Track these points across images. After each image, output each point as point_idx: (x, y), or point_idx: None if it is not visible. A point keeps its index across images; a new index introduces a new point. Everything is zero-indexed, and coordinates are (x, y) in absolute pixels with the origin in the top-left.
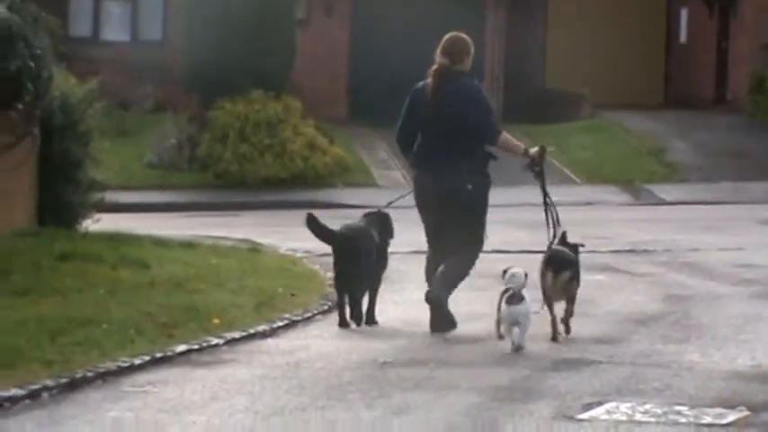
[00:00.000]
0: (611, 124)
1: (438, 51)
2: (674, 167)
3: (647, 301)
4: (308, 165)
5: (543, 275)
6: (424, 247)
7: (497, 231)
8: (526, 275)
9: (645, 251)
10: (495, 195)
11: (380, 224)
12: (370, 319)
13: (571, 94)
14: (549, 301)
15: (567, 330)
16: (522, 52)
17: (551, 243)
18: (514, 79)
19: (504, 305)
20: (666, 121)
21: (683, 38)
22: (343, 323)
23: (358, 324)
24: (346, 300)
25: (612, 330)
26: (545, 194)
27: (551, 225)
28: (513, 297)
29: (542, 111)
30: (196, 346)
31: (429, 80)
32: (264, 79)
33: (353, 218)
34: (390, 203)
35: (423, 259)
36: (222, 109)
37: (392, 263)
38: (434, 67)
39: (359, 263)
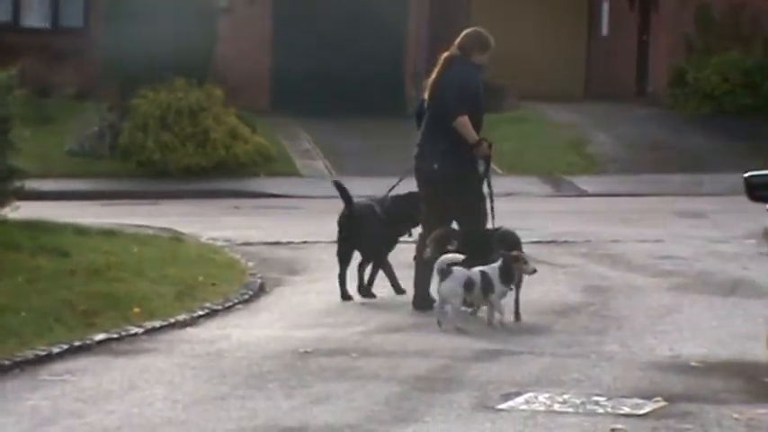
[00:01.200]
0: (534, 116)
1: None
2: (594, 159)
3: (568, 292)
4: (229, 153)
5: None
6: None
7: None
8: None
9: (565, 242)
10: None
11: (403, 205)
12: (367, 292)
13: (494, 86)
14: None
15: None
16: (446, 45)
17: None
18: None
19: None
20: (588, 113)
21: (604, 30)
22: (344, 296)
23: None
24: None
25: (533, 321)
26: (489, 185)
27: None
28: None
29: None
30: (116, 335)
31: None
32: (186, 68)
33: (275, 207)
34: (391, 189)
35: None
36: (144, 97)
37: (312, 253)
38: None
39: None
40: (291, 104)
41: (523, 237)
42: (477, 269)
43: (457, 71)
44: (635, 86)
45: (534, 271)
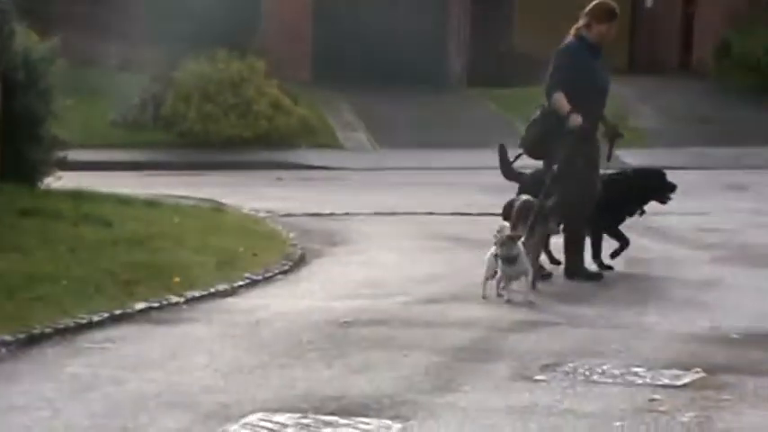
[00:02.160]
0: None
1: None
2: (639, 132)
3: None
4: (271, 125)
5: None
6: (387, 209)
7: (458, 194)
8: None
9: None
10: (459, 158)
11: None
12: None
13: (537, 56)
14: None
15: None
16: (490, 14)
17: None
18: (481, 42)
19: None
20: (632, 86)
21: (649, 2)
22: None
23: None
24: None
25: (573, 292)
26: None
27: None
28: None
29: (509, 74)
30: (156, 304)
31: None
32: (228, 39)
33: (316, 179)
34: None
35: (385, 221)
36: (187, 68)
37: (353, 224)
38: None
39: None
40: (333, 76)
41: None
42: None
43: (561, 46)
44: (679, 59)
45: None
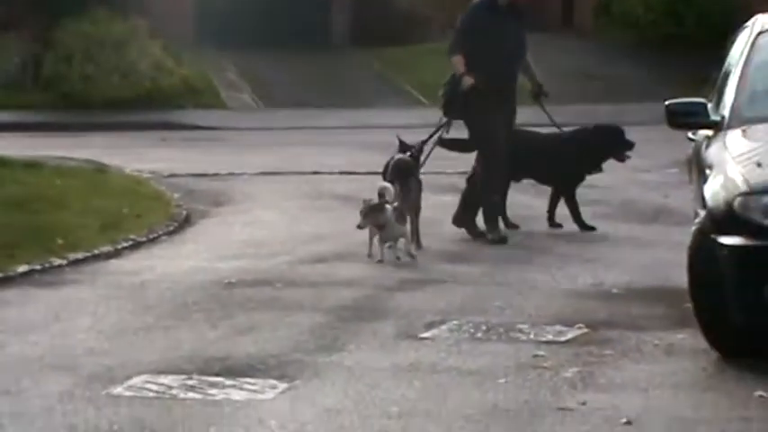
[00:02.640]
0: None
1: None
2: (522, 88)
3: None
4: (155, 85)
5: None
6: (271, 168)
7: (343, 153)
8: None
9: None
10: (344, 117)
11: None
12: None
13: (420, 14)
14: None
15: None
16: None
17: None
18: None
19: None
20: None
21: None
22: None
23: None
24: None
25: (457, 250)
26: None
27: None
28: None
29: (391, 33)
30: (39, 267)
31: None
32: None
33: (201, 140)
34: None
35: (269, 181)
36: (67, 28)
37: (238, 185)
38: None
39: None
40: (217, 36)
41: (449, 167)
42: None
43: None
44: (561, 17)
45: None
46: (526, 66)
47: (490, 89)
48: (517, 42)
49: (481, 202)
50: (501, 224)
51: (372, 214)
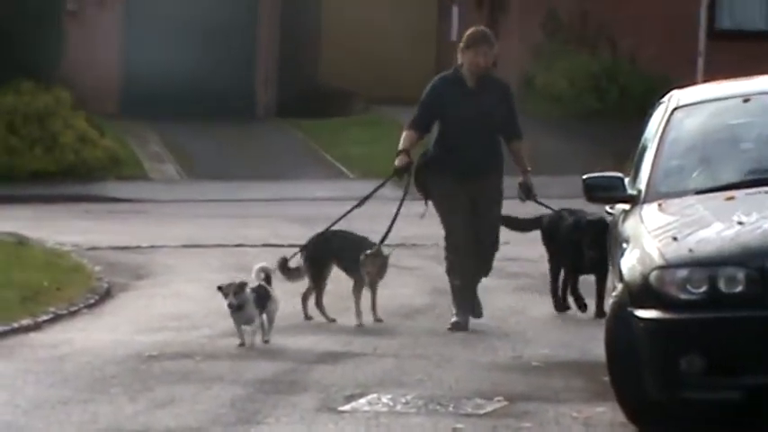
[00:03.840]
0: (384, 119)
1: None
2: None
3: (415, 295)
4: (78, 158)
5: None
6: (194, 241)
7: (266, 226)
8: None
9: (414, 245)
10: (268, 189)
11: None
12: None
13: (344, 89)
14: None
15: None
16: (297, 50)
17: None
18: (289, 76)
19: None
20: None
21: (454, 35)
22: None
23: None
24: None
25: (378, 325)
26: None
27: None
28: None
29: (316, 106)
30: None
31: None
32: (33, 71)
33: (124, 212)
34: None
35: (192, 254)
36: None
37: (159, 257)
38: None
39: None
40: (142, 109)
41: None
42: None
43: None
44: None
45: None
46: (515, 152)
47: (445, 170)
48: (483, 121)
49: None
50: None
51: (237, 293)
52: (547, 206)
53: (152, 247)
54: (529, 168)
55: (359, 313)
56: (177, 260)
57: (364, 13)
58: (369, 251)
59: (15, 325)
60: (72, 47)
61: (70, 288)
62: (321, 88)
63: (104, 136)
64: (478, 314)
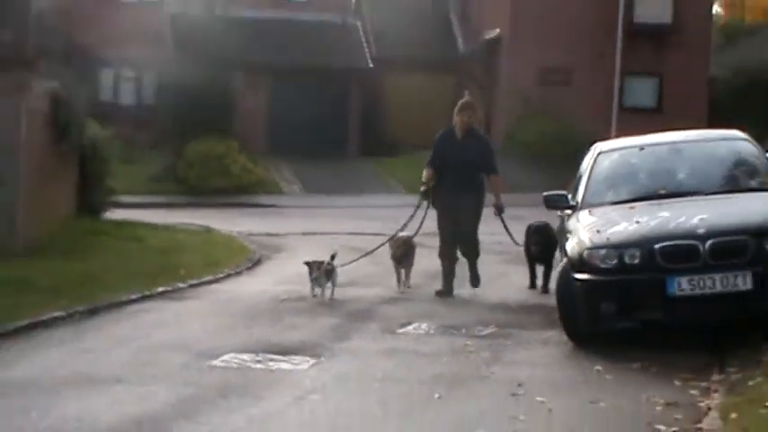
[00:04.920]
0: (422, 158)
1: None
2: None
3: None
4: (242, 180)
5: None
6: (309, 231)
7: (352, 221)
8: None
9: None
10: (354, 200)
11: None
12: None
13: (400, 138)
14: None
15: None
16: (374, 110)
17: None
18: (367, 129)
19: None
20: None
21: (466, 95)
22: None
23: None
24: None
25: (416, 280)
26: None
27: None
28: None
29: (383, 149)
30: (170, 288)
31: None
32: (215, 129)
33: (267, 213)
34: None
35: (308, 239)
36: (190, 147)
37: (289, 240)
38: None
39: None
40: (279, 150)
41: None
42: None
43: None
44: None
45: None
46: (492, 183)
47: (443, 191)
48: (466, 163)
49: None
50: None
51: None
52: (507, 230)
53: (285, 234)
54: (504, 191)
55: (408, 277)
56: (299, 242)
57: (412, 92)
58: (392, 237)
59: (203, 279)
60: (238, 113)
61: (237, 257)
62: (387, 138)
63: (257, 166)
64: (476, 285)
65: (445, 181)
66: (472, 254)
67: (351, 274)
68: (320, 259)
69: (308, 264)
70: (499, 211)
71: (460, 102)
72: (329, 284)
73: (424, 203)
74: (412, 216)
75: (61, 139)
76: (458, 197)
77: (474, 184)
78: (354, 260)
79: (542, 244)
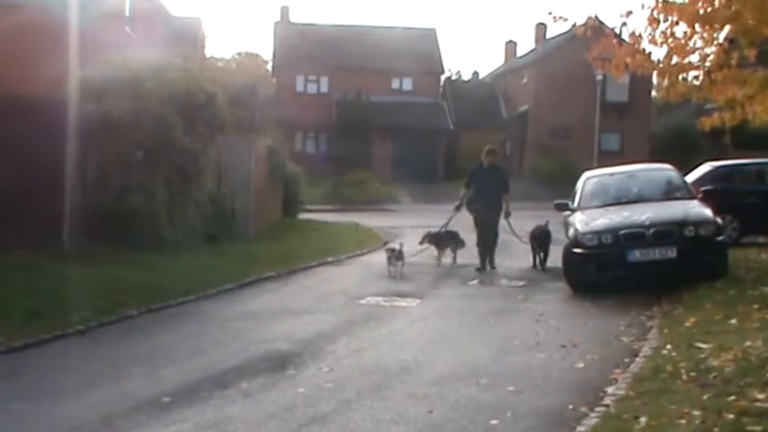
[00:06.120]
0: None
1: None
2: None
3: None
4: (374, 195)
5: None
6: (413, 225)
7: (437, 218)
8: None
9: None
10: (438, 208)
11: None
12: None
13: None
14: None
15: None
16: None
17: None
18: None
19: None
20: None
21: (507, 149)
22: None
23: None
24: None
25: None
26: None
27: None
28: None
29: (454, 173)
30: (333, 259)
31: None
32: (360, 166)
33: (390, 213)
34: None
35: (414, 230)
36: (347, 177)
37: (402, 231)
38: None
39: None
40: (398, 177)
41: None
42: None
43: None
44: (517, 167)
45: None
46: (506, 198)
47: (477, 205)
48: (491, 185)
49: None
50: (487, 263)
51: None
52: (513, 230)
53: (400, 227)
54: (510, 210)
55: (454, 258)
56: (408, 232)
57: (474, 143)
58: (432, 230)
59: (353, 253)
60: (374, 156)
61: (372, 241)
62: (459, 169)
63: (384, 187)
64: (493, 267)
65: (479, 198)
66: (492, 244)
67: (432, 251)
68: (393, 246)
69: (386, 249)
70: (507, 215)
71: (486, 147)
72: (400, 263)
73: (456, 212)
74: (451, 218)
75: (273, 172)
76: (486, 208)
77: (496, 200)
78: (443, 226)
79: (542, 240)
